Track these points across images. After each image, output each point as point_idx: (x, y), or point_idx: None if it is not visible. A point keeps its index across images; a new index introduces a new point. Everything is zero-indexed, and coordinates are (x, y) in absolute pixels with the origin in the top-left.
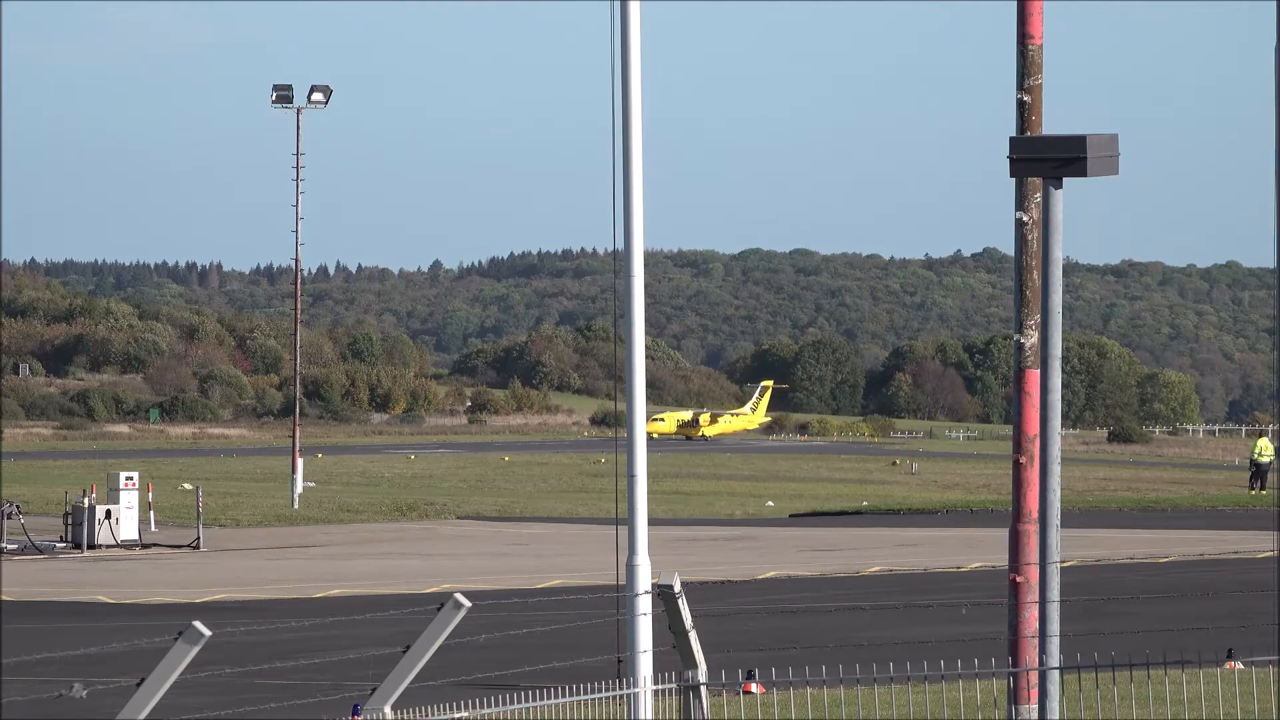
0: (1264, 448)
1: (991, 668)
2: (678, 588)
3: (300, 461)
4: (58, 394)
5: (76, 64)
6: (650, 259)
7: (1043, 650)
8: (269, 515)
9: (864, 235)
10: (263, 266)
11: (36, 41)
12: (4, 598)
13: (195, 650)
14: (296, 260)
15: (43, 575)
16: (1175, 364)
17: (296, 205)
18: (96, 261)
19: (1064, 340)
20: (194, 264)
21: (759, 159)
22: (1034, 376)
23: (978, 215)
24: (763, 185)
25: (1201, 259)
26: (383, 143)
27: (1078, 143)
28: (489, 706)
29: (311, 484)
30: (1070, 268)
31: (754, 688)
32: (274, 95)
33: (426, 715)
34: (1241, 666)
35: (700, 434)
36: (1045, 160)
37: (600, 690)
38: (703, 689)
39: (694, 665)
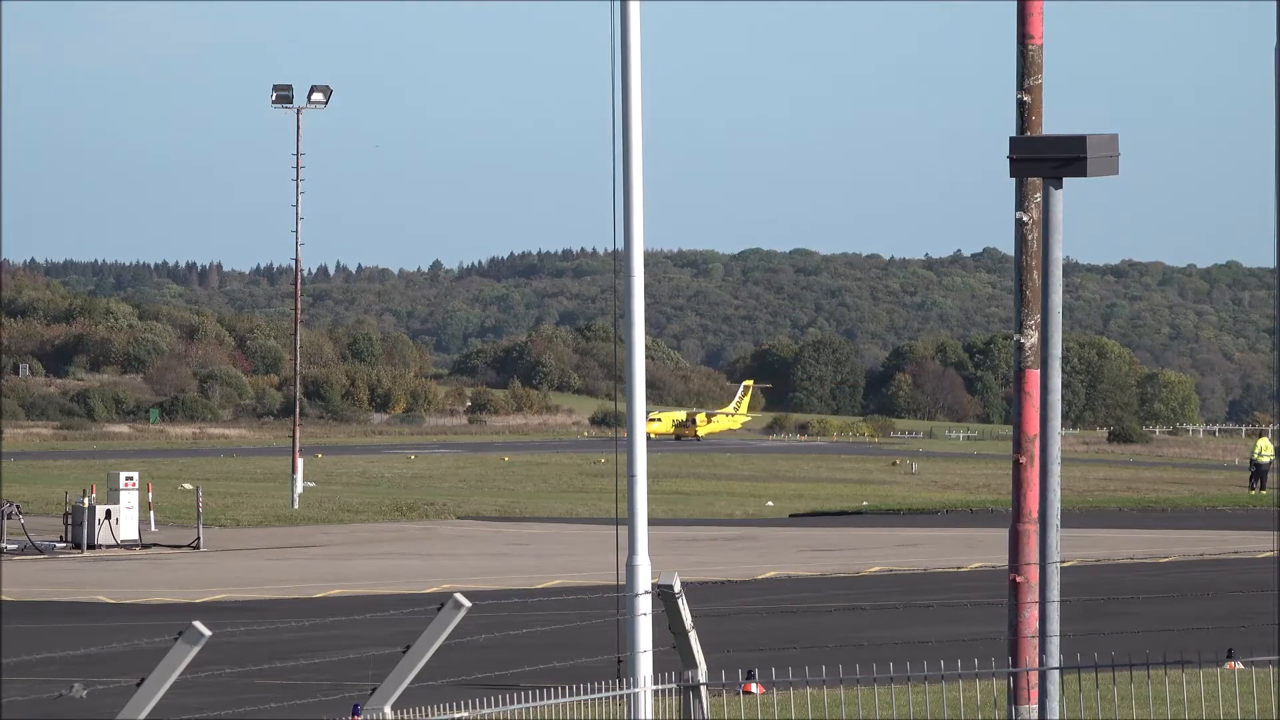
0: (1264, 448)
1: (991, 668)
2: (678, 588)
3: (300, 461)
4: (58, 394)
5: (76, 64)
6: (650, 259)
7: (1043, 650)
8: (269, 515)
9: (864, 235)
10: (263, 266)
11: (36, 41)
12: (4, 598)
13: (195, 650)
14: (296, 260)
15: (43, 575)
16: (1175, 364)
17: (296, 205)
18: (96, 261)
19: (1064, 340)
20: (194, 264)
21: (759, 159)
22: (1034, 376)
23: (978, 215)
24: (763, 185)
25: (1201, 259)
26: (383, 143)
27: (1078, 143)
28: (489, 706)
29: (311, 484)
30: (1070, 268)
31: (754, 688)
32: (274, 95)
33: (426, 715)
34: (1241, 666)
35: (694, 434)
36: (1045, 160)
37: (600, 690)
38: (703, 689)
39: (694, 665)
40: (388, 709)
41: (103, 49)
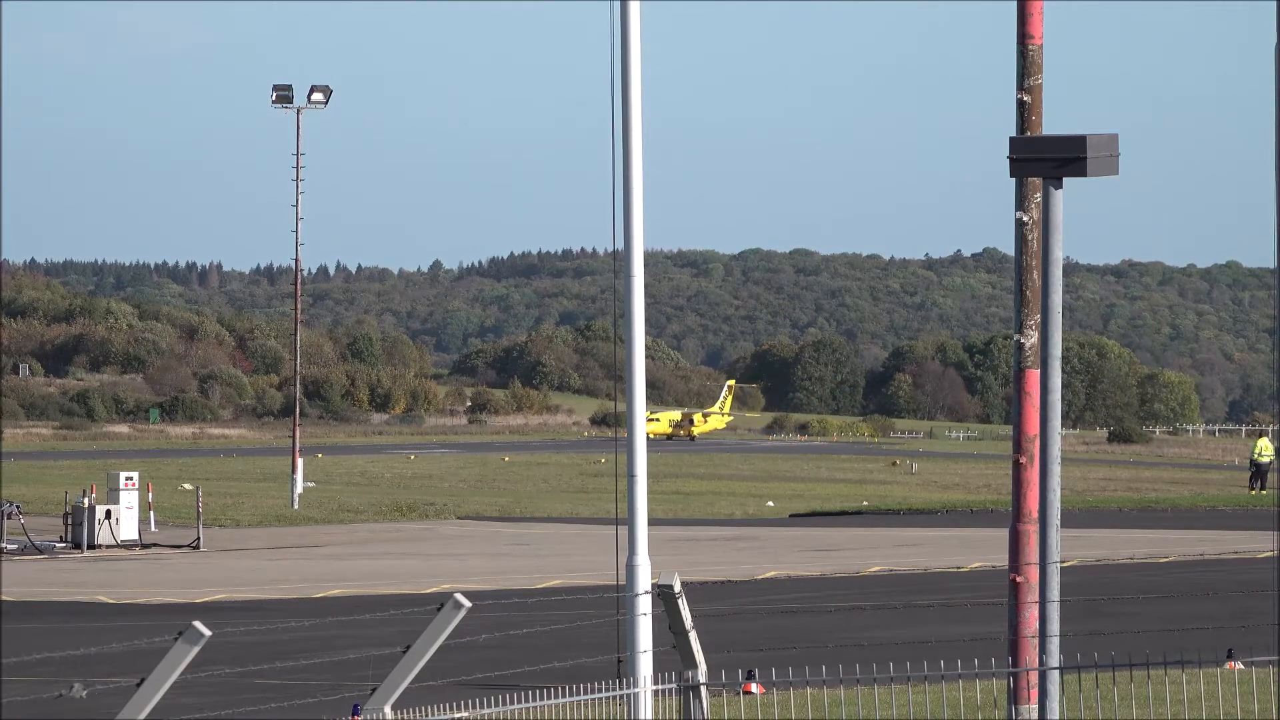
0: (1264, 448)
1: (991, 668)
2: (678, 588)
3: (300, 461)
4: (58, 394)
5: (76, 64)
6: (650, 259)
7: (1043, 650)
8: (269, 515)
9: (864, 235)
10: (263, 266)
11: (36, 41)
12: (4, 598)
13: (195, 650)
14: (296, 260)
15: (43, 575)
16: (1175, 364)
17: (296, 205)
18: (96, 261)
19: (1064, 340)
20: (194, 264)
21: (759, 159)
22: (1034, 376)
23: (978, 215)
24: (763, 185)
25: (1201, 259)
26: (383, 143)
27: (1078, 143)
28: (489, 706)
29: (311, 484)
30: (1070, 268)
31: (754, 688)
32: (274, 95)
33: (426, 715)
34: (1241, 666)
35: (689, 434)
36: (1045, 160)
37: (600, 690)
38: (703, 689)
39: (694, 665)
40: (388, 709)
41: (103, 49)
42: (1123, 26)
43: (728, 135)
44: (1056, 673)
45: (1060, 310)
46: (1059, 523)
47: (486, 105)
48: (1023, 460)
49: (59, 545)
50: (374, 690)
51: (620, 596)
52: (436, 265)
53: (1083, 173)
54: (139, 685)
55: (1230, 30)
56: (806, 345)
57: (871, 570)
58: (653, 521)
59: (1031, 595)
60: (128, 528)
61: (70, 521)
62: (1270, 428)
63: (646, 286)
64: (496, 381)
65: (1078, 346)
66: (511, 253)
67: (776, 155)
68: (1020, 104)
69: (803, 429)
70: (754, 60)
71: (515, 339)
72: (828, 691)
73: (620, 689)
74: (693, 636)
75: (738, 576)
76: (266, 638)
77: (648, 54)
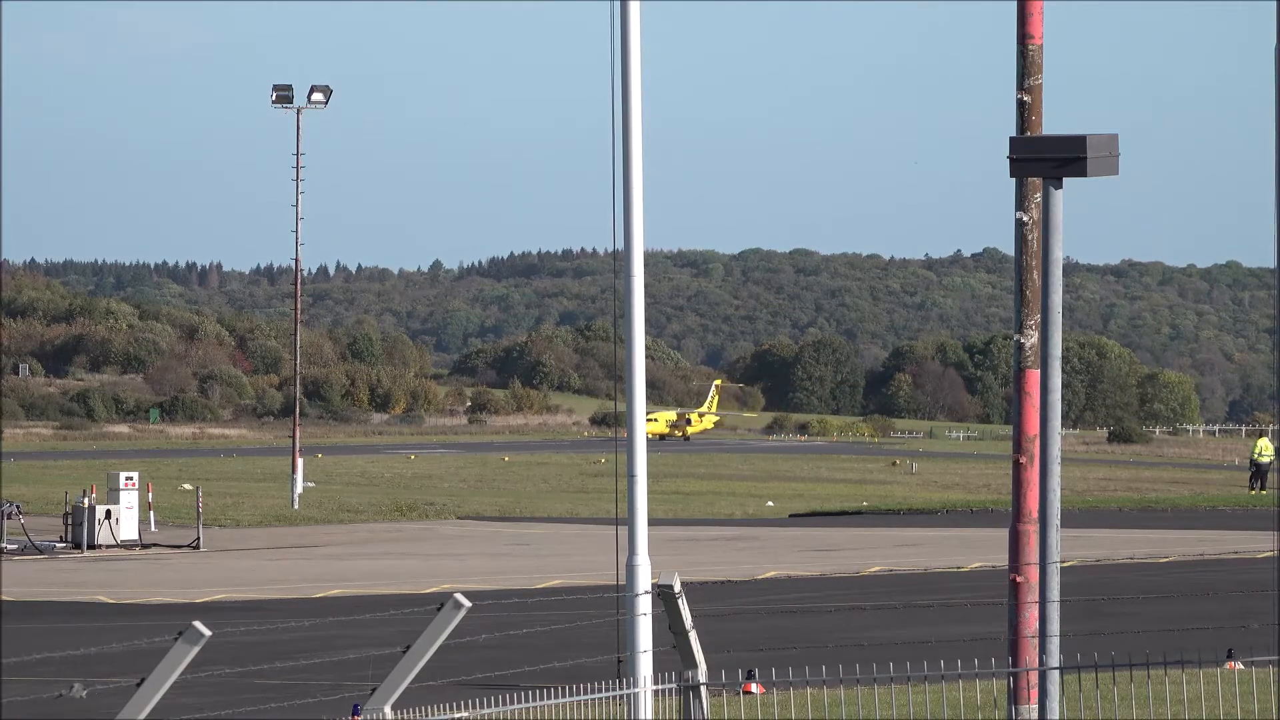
0: (1264, 448)
1: (991, 668)
2: (678, 588)
3: (300, 461)
4: (58, 394)
5: (76, 64)
6: (650, 259)
7: (1043, 650)
8: (269, 515)
9: (864, 235)
10: (263, 266)
11: (36, 41)
12: (4, 598)
13: (195, 650)
14: (296, 260)
15: (43, 575)
16: (1175, 364)
17: (296, 205)
18: (96, 261)
19: (1064, 340)
20: (194, 264)
21: (759, 159)
22: (1034, 376)
23: (978, 215)
24: (763, 185)
25: (1201, 259)
26: (383, 143)
27: (1078, 143)
28: (489, 706)
29: (311, 484)
30: (1070, 268)
31: (754, 688)
32: (274, 95)
33: (426, 715)
34: (1241, 666)
35: (684, 434)
36: (1045, 160)
37: (600, 690)
38: (703, 689)
39: (694, 665)
40: (388, 709)
41: (103, 49)
42: (1123, 26)
43: (728, 135)
44: (1056, 673)
45: (1060, 310)
46: (1059, 523)
47: (486, 105)
48: (1023, 460)
49: (59, 545)
50: (374, 690)
51: (620, 596)
52: (436, 265)
53: (1083, 173)
54: (139, 685)
55: (1230, 30)
56: (806, 345)
57: (871, 570)
58: (653, 521)
59: (1031, 595)
60: (128, 528)
61: (70, 521)
62: (1270, 428)
63: (646, 286)
64: (496, 381)
65: (1078, 346)
66: (511, 253)
67: (776, 155)
68: (1020, 104)
69: (803, 429)
70: (754, 60)
71: (515, 339)
72: (828, 691)
73: (620, 689)
74: (693, 636)
75: (738, 576)
76: (266, 638)
77: (648, 54)
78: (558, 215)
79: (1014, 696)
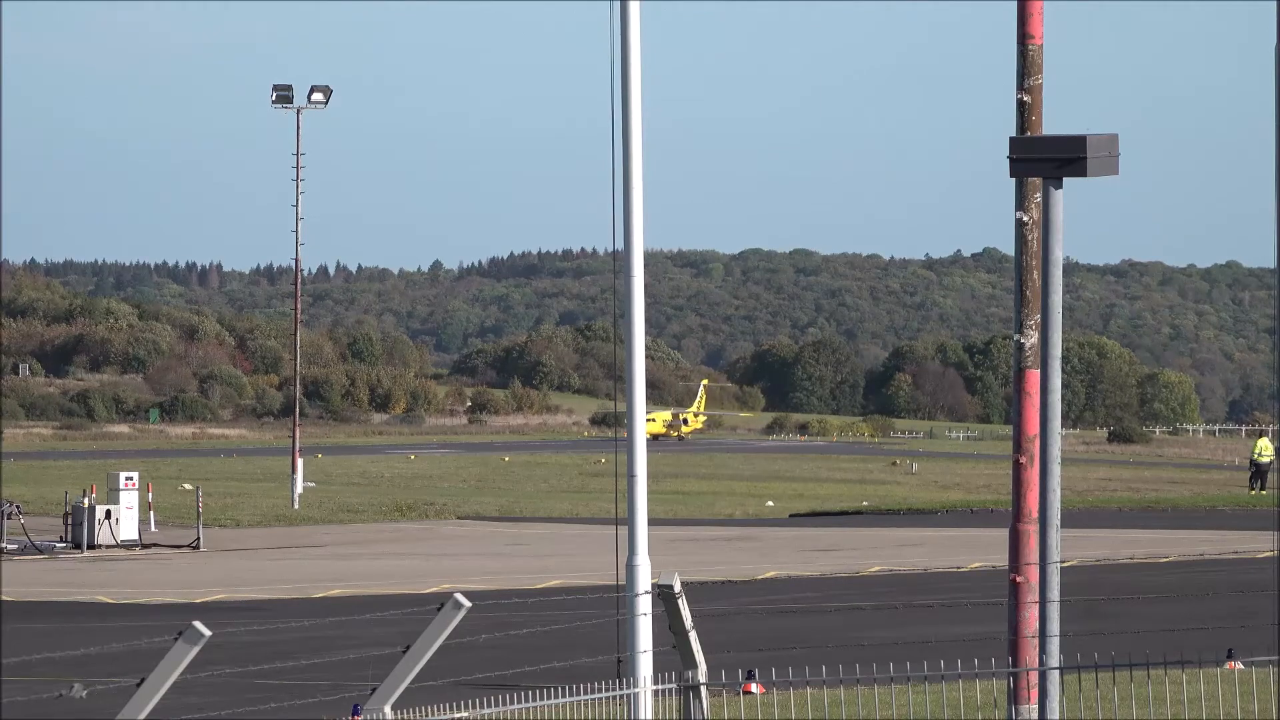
0: (1264, 448)
1: (991, 668)
2: (678, 588)
3: (300, 461)
4: (58, 394)
5: (76, 64)
6: (650, 259)
7: (1043, 650)
8: (269, 515)
9: (864, 235)
10: (263, 266)
11: (36, 41)
12: (4, 598)
13: (195, 650)
14: (296, 260)
15: (43, 575)
16: (1175, 364)
17: (296, 205)
18: (96, 261)
19: (1064, 340)
20: (194, 264)
21: (759, 159)
22: (1034, 376)
23: (978, 215)
24: (763, 185)
25: (1201, 259)
26: (383, 143)
27: (1078, 143)
28: (489, 706)
29: (311, 484)
30: (1070, 268)
31: (754, 688)
32: (274, 95)
33: (426, 715)
34: (1241, 666)
35: (679, 435)
36: (1045, 160)
37: (600, 690)
38: (703, 689)
39: (694, 665)
40: (388, 709)
41: (103, 49)
42: (1123, 26)
43: (728, 135)
44: (1056, 673)
45: (1060, 310)
46: (1059, 523)
47: (486, 105)
48: (1023, 460)
49: (59, 545)
50: (374, 690)
51: (620, 596)
52: (436, 265)
53: (1083, 173)
54: (139, 685)
55: (1230, 30)
56: (806, 345)
57: (871, 570)
58: (653, 521)
59: (1031, 595)
60: (128, 528)
61: (70, 521)
62: (1270, 428)
63: (646, 286)
64: (496, 381)
65: (1078, 346)
66: (511, 253)
67: (776, 155)
68: (1020, 104)
69: (803, 429)
70: (754, 60)
71: (515, 339)
72: (828, 691)
73: (620, 689)
74: (693, 636)
75: (738, 576)
76: (266, 638)
77: (648, 54)
78: (558, 215)
79: (1014, 696)
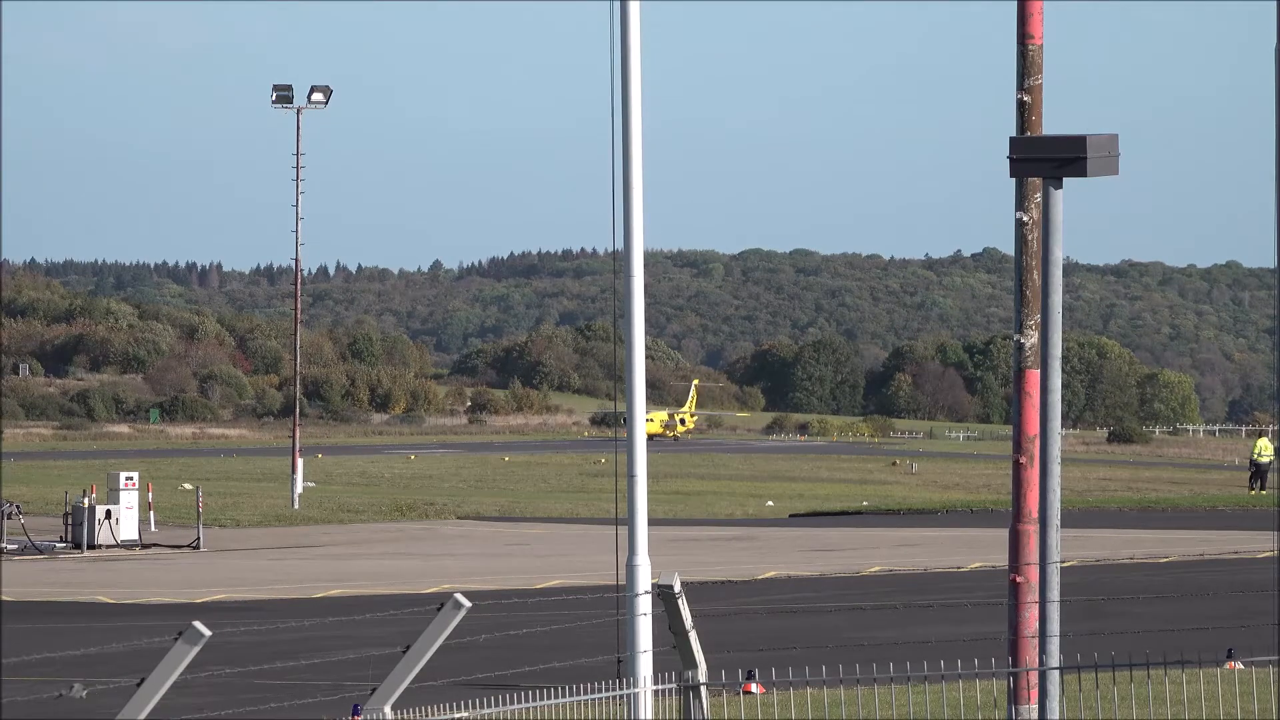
0: (1264, 448)
1: (991, 668)
2: (678, 588)
3: (300, 461)
4: (58, 394)
5: (76, 64)
6: (650, 259)
7: (1043, 650)
8: (269, 515)
9: (864, 235)
10: (263, 266)
11: (36, 41)
12: (4, 598)
13: (195, 650)
14: (296, 260)
15: (43, 575)
16: (1175, 364)
17: (296, 205)
18: (96, 261)
19: (1064, 340)
20: (194, 264)
21: (759, 159)
22: (1034, 376)
23: (978, 215)
24: (763, 185)
25: (1201, 259)
26: (383, 143)
27: (1078, 143)
28: (489, 706)
29: (311, 484)
30: (1070, 268)
31: (754, 688)
32: (274, 95)
33: (426, 715)
34: (1241, 666)
35: (674, 435)
36: (1045, 160)
37: (600, 690)
38: (703, 689)
39: (694, 665)
40: (388, 709)
41: (103, 49)
42: (1123, 26)
43: (728, 135)
44: (1056, 673)
45: (1060, 310)
46: (1059, 523)
47: (487, 105)
48: (1023, 460)
49: (59, 545)
50: (374, 690)
51: (620, 596)
52: (436, 265)
53: (1083, 173)
54: (139, 685)
55: (1230, 30)
56: (806, 345)
57: (871, 570)
58: (653, 521)
59: (1031, 595)
60: (128, 528)
61: (70, 521)
62: (1270, 428)
63: (646, 286)
64: (496, 381)
65: (1078, 346)
66: (511, 253)
67: (777, 155)
68: (1020, 104)
69: (803, 429)
70: (754, 60)
71: (515, 339)
72: (828, 691)
73: (620, 689)
74: (693, 636)
75: (738, 576)
76: (266, 638)
77: (648, 54)
78: (558, 215)
79: (1014, 696)
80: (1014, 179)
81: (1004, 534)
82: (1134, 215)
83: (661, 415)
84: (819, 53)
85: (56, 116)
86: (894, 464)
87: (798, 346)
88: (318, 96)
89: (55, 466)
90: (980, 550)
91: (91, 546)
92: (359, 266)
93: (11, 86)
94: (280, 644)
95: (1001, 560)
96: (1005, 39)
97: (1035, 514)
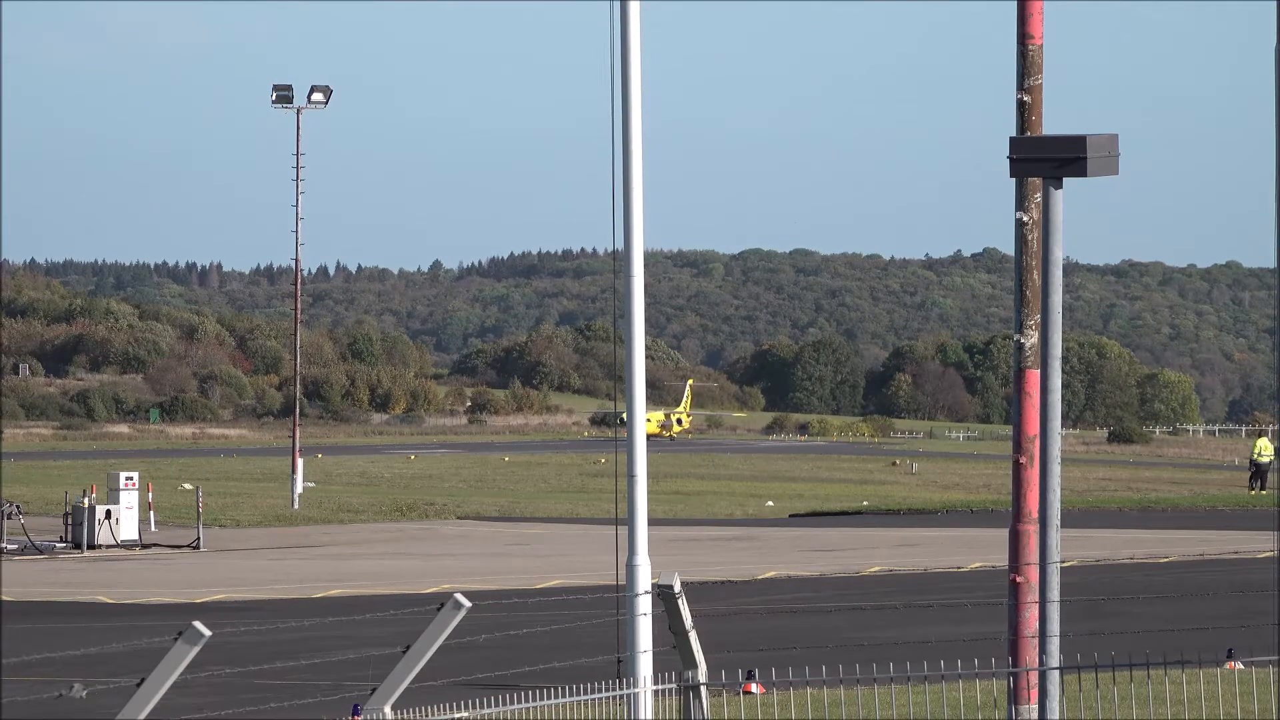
0: (1264, 448)
1: (991, 668)
2: (678, 588)
3: (300, 462)
4: (58, 394)
5: (76, 64)
6: (650, 259)
7: (1043, 650)
8: (269, 515)
9: (864, 235)
10: (263, 266)
11: (36, 41)
12: (4, 598)
13: (195, 650)
14: (296, 260)
15: (43, 575)
16: (1175, 364)
17: (296, 205)
18: (96, 261)
19: (1064, 340)
20: (194, 264)
21: (759, 159)
22: (1034, 376)
23: (978, 215)
24: (763, 185)
25: (1201, 259)
26: (383, 143)
27: (1078, 143)
28: (489, 706)
29: (311, 484)
30: (1070, 268)
31: (754, 688)
32: (274, 95)
33: (426, 715)
34: (1241, 666)
35: (670, 435)
36: (1045, 160)
37: (600, 690)
38: (703, 689)
39: (694, 665)
40: (388, 709)
41: (103, 49)
42: (1123, 26)
43: (728, 135)
44: (1056, 673)
45: (1060, 310)
46: (1059, 523)
47: (486, 105)
48: (1023, 460)
49: (59, 545)
50: (374, 690)
51: (620, 596)
52: (436, 265)
53: (1083, 173)
54: (139, 685)
55: (1230, 30)
56: (806, 345)
57: (871, 570)
58: (653, 521)
59: (1031, 595)
60: (128, 528)
61: (70, 521)
62: (1270, 428)
63: (646, 286)
64: (496, 381)
65: (1078, 346)
66: (511, 253)
67: (776, 155)
68: (1020, 104)
69: (803, 429)
70: (754, 60)
71: (515, 339)
72: (828, 691)
73: (620, 689)
74: (693, 636)
75: (738, 576)
76: (266, 638)
77: (648, 54)
78: (558, 215)
79: (1014, 696)
80: (1014, 179)
81: (1004, 534)
82: (1134, 215)
83: (658, 415)
84: (819, 53)
85: (56, 116)
86: (894, 464)
87: (798, 346)
88: (318, 96)
89: (55, 466)
90: (980, 550)
91: (91, 546)
92: (359, 266)
93: (11, 86)
94: (280, 644)
95: (1001, 560)
96: (1005, 39)
97: (1035, 514)
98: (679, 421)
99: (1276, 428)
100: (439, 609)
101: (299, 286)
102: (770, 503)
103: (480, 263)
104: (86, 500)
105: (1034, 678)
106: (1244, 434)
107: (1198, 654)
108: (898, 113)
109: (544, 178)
